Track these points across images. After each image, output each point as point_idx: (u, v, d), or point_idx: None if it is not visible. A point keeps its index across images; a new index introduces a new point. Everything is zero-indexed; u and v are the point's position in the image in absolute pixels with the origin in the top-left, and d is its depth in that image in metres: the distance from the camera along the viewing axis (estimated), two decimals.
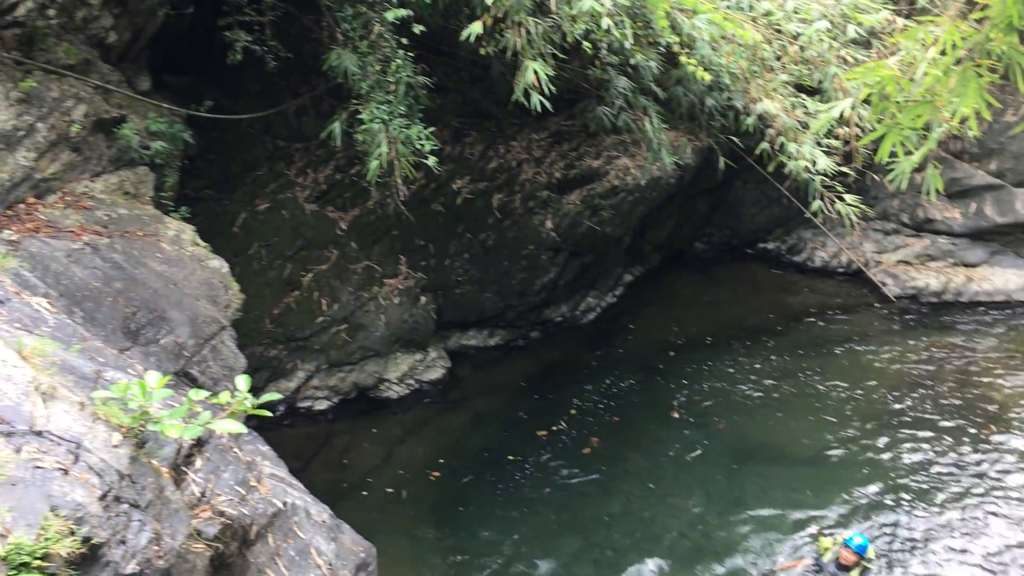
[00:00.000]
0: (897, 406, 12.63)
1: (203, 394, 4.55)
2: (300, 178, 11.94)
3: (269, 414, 4.75)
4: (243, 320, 8.62)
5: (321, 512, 6.60)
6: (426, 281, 12.66)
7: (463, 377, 13.10)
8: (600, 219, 13.22)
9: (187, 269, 8.01)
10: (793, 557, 9.62)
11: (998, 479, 11.01)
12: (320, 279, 11.73)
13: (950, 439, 11.79)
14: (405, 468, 11.21)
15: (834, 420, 12.24)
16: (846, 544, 9.15)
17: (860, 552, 9.09)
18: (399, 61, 8.99)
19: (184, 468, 5.06)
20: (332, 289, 11.78)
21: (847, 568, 9.13)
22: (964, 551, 9.82)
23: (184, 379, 6.92)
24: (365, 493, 10.66)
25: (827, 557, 9.30)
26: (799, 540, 9.94)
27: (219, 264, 8.51)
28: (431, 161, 8.93)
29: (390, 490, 10.75)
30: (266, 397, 4.69)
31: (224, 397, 4.57)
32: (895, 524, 10.23)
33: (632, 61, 10.02)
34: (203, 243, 8.62)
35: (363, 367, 12.22)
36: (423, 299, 12.58)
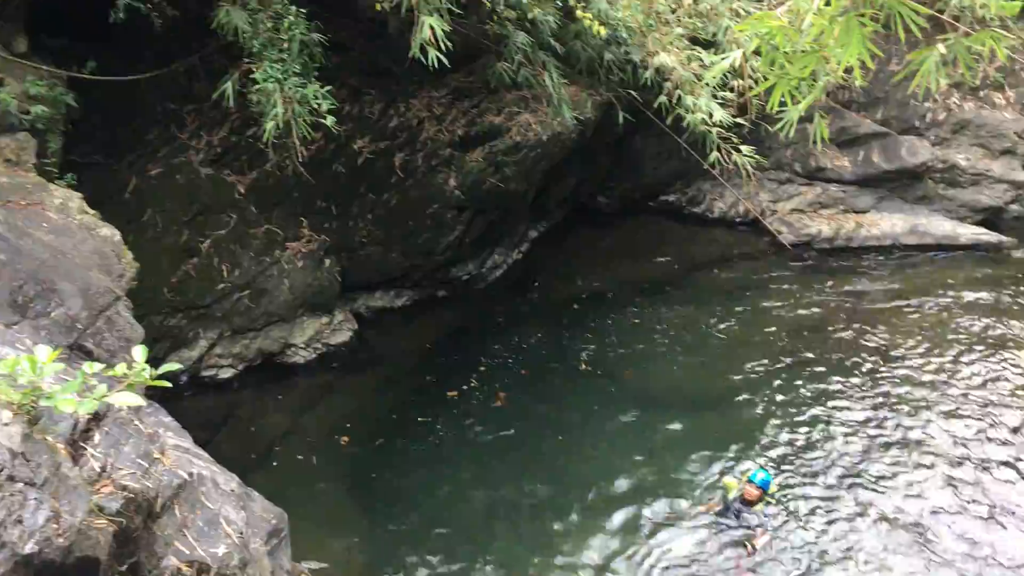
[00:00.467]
0: (794, 348, 13.13)
1: (98, 367, 4.40)
2: (194, 141, 11.55)
3: (170, 385, 4.63)
4: (139, 289, 8.35)
5: (229, 481, 6.49)
6: (329, 243, 12.47)
7: (371, 339, 13.01)
8: (503, 176, 13.21)
9: (76, 238, 7.70)
10: (705, 501, 9.94)
11: (891, 410, 11.61)
12: (219, 245, 11.43)
13: (844, 376, 12.35)
14: (315, 434, 11.13)
15: (735, 365, 12.65)
16: (750, 480, 9.52)
17: (764, 487, 9.48)
18: (291, 18, 8.76)
19: (82, 443, 4.90)
20: (232, 255, 11.50)
21: (751, 503, 9.49)
22: (859, 475, 10.33)
23: (78, 352, 6.67)
24: (275, 461, 10.54)
25: (732, 495, 9.66)
26: (707, 482, 10.28)
27: (110, 232, 8.19)
28: (329, 121, 8.76)
29: (300, 457, 10.66)
30: (166, 367, 4.57)
31: (121, 369, 4.43)
32: (797, 458, 10.67)
33: (530, 16, 9.99)
34: (92, 211, 8.28)
35: (268, 333, 12.01)
36: (327, 262, 12.40)
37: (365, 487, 10.22)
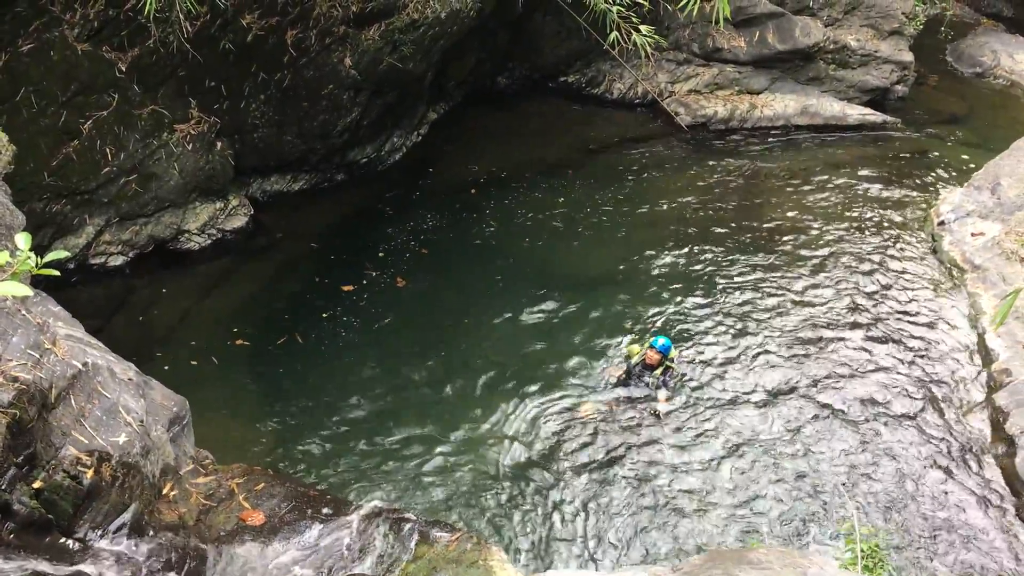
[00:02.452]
0: (690, 226, 13.53)
1: None
2: (68, 15, 10.77)
3: (57, 273, 4.46)
4: (17, 174, 7.95)
5: (127, 370, 6.38)
6: (221, 125, 12.00)
7: (268, 224, 12.75)
8: (400, 55, 12.84)
9: None
10: (611, 365, 10.39)
11: (780, 276, 12.31)
12: (101, 126, 10.85)
13: (738, 249, 12.94)
14: (213, 320, 10.97)
15: (633, 243, 12.98)
16: (651, 345, 10.03)
17: (663, 351, 10.00)
18: None
19: None
20: (116, 137, 10.96)
21: (652, 367, 10.03)
22: (743, 333, 10.96)
23: None
24: (173, 348, 10.38)
25: (634, 360, 10.18)
26: (607, 353, 10.64)
27: None
28: None
29: (199, 344, 10.52)
30: (52, 255, 4.39)
31: (3, 258, 4.24)
32: (693, 328, 11.14)
33: None
34: None
35: (159, 219, 11.62)
36: (219, 144, 11.97)
37: (266, 373, 10.19)
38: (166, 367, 9.38)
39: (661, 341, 10.08)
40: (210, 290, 11.54)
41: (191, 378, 9.46)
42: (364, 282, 11.73)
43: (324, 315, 11.07)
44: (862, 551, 5.68)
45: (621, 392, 10.08)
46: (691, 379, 10.34)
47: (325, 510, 6.45)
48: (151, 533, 5.52)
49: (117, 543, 5.30)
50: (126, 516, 5.41)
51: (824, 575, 3.88)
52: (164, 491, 6.05)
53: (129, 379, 6.17)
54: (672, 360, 10.19)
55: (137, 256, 11.52)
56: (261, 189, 13.23)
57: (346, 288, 11.48)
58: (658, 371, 10.07)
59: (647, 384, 10.06)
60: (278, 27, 11.89)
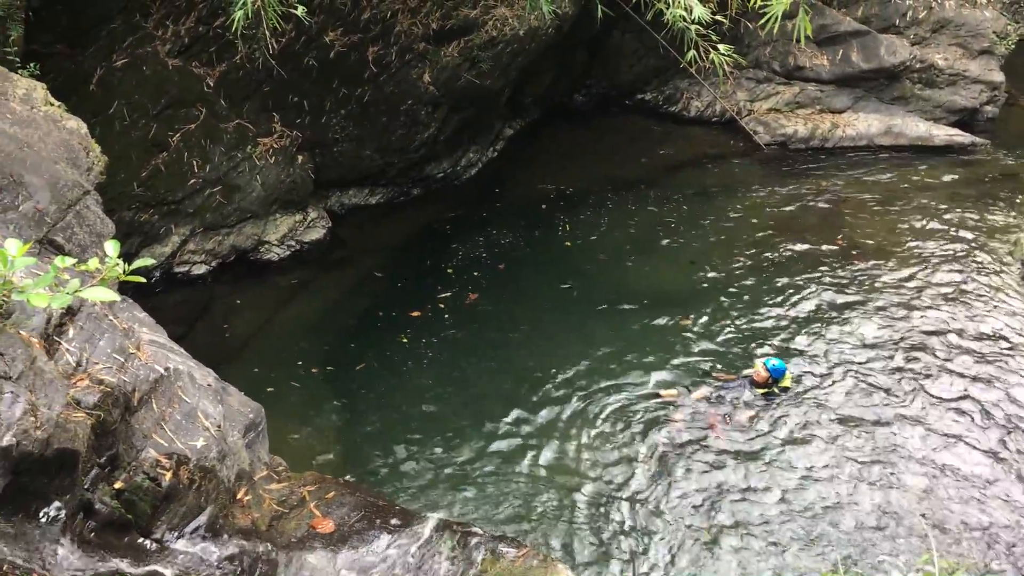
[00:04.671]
0: (767, 247, 13.29)
1: (70, 261, 4.37)
2: (160, 31, 11.22)
3: (143, 280, 4.62)
4: (109, 184, 8.23)
5: (206, 376, 6.55)
6: (302, 139, 12.29)
7: (345, 237, 12.97)
8: (479, 71, 12.98)
9: (42, 130, 7.53)
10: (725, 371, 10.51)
11: (861, 301, 12.01)
12: (189, 139, 11.23)
13: (816, 273, 12.65)
14: (290, 330, 11.19)
15: (709, 262, 12.82)
16: (764, 363, 10.06)
17: (772, 372, 10.00)
18: None
19: (56, 338, 4.91)
20: (203, 149, 11.31)
21: (756, 384, 10.08)
22: (820, 358, 10.69)
23: (49, 247, 6.61)
24: (250, 356, 10.62)
25: (746, 372, 10.35)
26: (677, 371, 10.56)
27: (77, 124, 8.01)
28: (300, 11, 8.52)
29: (276, 353, 10.73)
30: (139, 263, 4.54)
31: (93, 264, 4.41)
32: (767, 351, 10.94)
33: None
34: (57, 102, 8.08)
35: (241, 230, 11.94)
36: (300, 158, 12.25)
37: (339, 382, 10.33)
38: (243, 374, 9.57)
39: (774, 362, 10.10)
40: (288, 301, 11.78)
41: (267, 386, 9.66)
42: (437, 296, 11.82)
43: (397, 329, 11.18)
44: None
45: (714, 395, 10.14)
46: (779, 408, 10.15)
47: (394, 521, 6.51)
48: (225, 536, 5.64)
49: (192, 545, 5.43)
50: (202, 519, 5.53)
51: None
52: (238, 495, 6.18)
53: (208, 385, 6.32)
54: (785, 388, 10.15)
55: (219, 265, 11.83)
56: (339, 202, 13.47)
57: (414, 314, 11.46)
58: (761, 391, 10.07)
59: (738, 397, 10.07)
60: (360, 44, 12.17)
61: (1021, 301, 12.07)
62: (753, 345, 11.14)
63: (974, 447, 9.61)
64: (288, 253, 12.37)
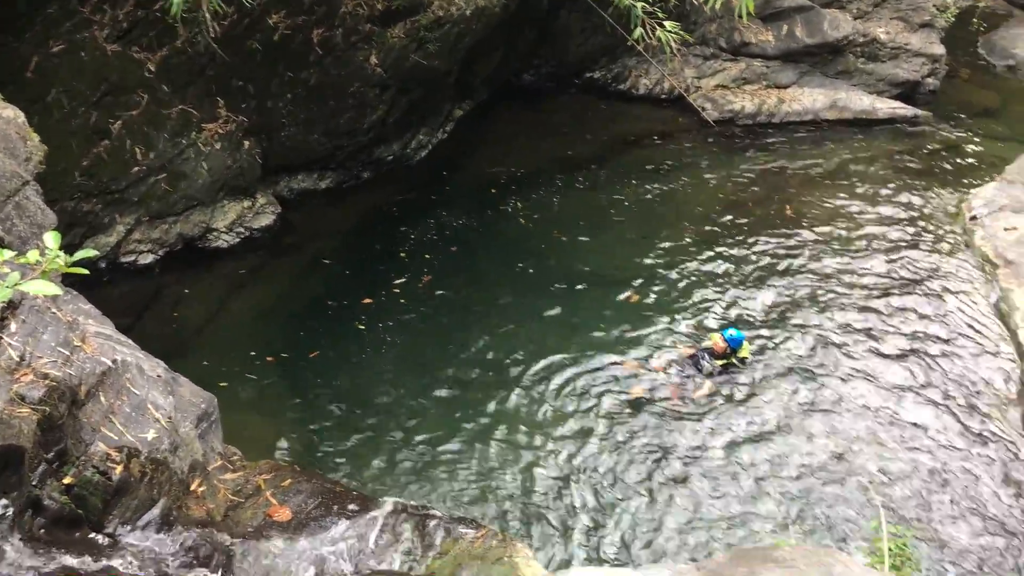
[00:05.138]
0: (717, 221, 13.46)
1: (9, 254, 4.26)
2: (97, 16, 10.90)
3: (87, 272, 4.51)
4: (49, 173, 8.03)
5: (155, 367, 6.45)
6: (248, 124, 12.09)
7: (295, 222, 12.82)
8: (426, 53, 12.87)
9: None
10: (686, 344, 10.72)
11: (809, 271, 12.31)
12: (131, 126, 10.98)
13: (766, 244, 12.90)
14: (242, 318, 11.07)
15: (661, 238, 12.96)
16: (722, 333, 10.25)
17: (729, 342, 10.18)
18: None
19: None
20: (146, 136, 11.07)
21: (715, 355, 10.24)
22: (772, 327, 10.84)
23: None
24: (201, 346, 10.48)
25: (704, 344, 10.49)
26: (636, 346, 10.67)
27: (13, 113, 7.79)
28: None
29: (227, 342, 10.61)
30: (81, 254, 4.43)
31: (33, 256, 4.30)
32: (719, 322, 11.10)
33: None
34: None
35: (188, 217, 11.74)
36: (246, 143, 12.06)
37: (294, 369, 10.26)
38: (195, 365, 9.43)
39: (732, 333, 10.27)
40: (239, 288, 11.63)
41: (220, 376, 9.55)
42: (391, 281, 11.76)
43: (351, 315, 11.11)
44: (890, 549, 5.62)
45: (675, 367, 10.31)
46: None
47: (351, 506, 6.49)
48: (179, 528, 5.58)
49: (146, 538, 5.37)
50: (155, 511, 5.47)
51: (850, 573, 3.85)
52: (192, 487, 6.11)
53: (158, 376, 6.23)
54: (743, 358, 10.32)
55: (167, 254, 11.63)
56: (288, 187, 13.31)
57: (366, 301, 11.36)
58: (720, 361, 10.22)
59: (700, 369, 10.22)
60: (304, 26, 11.97)
61: (962, 265, 12.38)
62: (708, 317, 11.30)
63: (920, 403, 9.92)
64: (237, 240, 12.19)
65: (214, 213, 12.00)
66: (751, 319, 11.26)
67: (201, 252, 11.94)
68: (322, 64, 12.26)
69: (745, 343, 10.32)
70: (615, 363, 10.39)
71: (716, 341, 10.26)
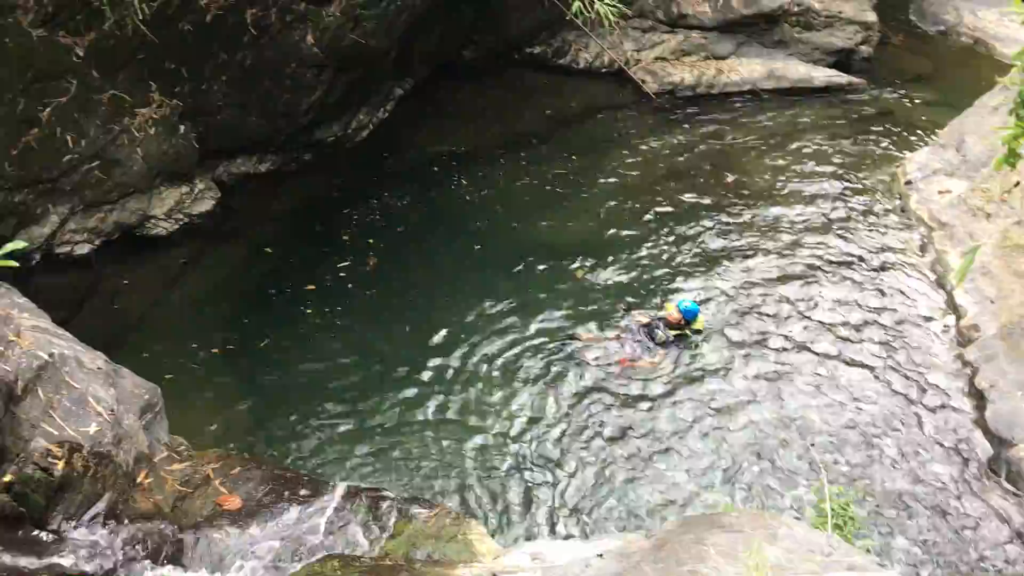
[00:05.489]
0: (660, 191, 13.58)
1: None
2: (21, 0, 10.56)
3: (17, 264, 4.40)
4: None
5: (95, 359, 6.34)
6: (183, 108, 11.81)
7: (236, 207, 12.60)
8: (364, 31, 12.70)
9: None
10: (640, 312, 10.82)
11: (749, 238, 12.52)
12: (61, 113, 10.66)
13: (708, 214, 13.07)
14: (185, 307, 10.90)
15: (605, 211, 13.04)
16: (677, 305, 10.35)
17: (683, 313, 10.29)
18: None
19: None
20: (77, 124, 10.76)
21: (670, 326, 10.34)
22: (715, 295, 11.02)
23: None
24: (143, 336, 10.30)
25: (660, 314, 10.57)
26: (585, 320, 10.77)
27: None
28: None
29: (170, 331, 10.45)
30: (11, 246, 4.33)
31: None
32: (666, 292, 11.32)
33: None
34: None
35: (124, 205, 11.45)
36: (182, 127, 11.79)
37: (239, 357, 10.13)
38: (137, 357, 9.27)
39: (687, 304, 10.36)
40: (180, 277, 11.43)
41: (164, 367, 9.39)
42: (335, 263, 11.65)
43: (298, 301, 10.99)
44: (832, 510, 5.77)
45: (629, 336, 10.40)
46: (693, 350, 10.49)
47: (303, 491, 6.47)
48: (126, 521, 5.51)
49: (92, 533, 5.29)
50: (100, 506, 5.40)
51: (793, 535, 3.94)
52: (139, 479, 6.04)
53: (98, 368, 6.13)
54: (698, 330, 10.44)
55: (104, 244, 11.34)
56: (227, 172, 13.07)
57: (309, 287, 11.20)
58: (674, 332, 10.34)
59: (654, 339, 10.32)
60: (237, 6, 11.71)
61: (899, 228, 12.67)
62: (656, 288, 11.43)
63: (861, 365, 10.17)
64: (177, 227, 11.95)
65: (151, 200, 11.74)
66: (697, 289, 11.39)
67: (139, 241, 11.69)
68: (257, 45, 12.03)
69: (700, 315, 10.44)
70: (568, 335, 10.46)
71: (671, 312, 10.38)
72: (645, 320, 10.60)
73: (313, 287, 11.15)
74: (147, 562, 5.36)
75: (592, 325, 10.67)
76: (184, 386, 9.26)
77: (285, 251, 11.97)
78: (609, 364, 10.09)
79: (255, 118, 12.63)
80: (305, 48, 12.31)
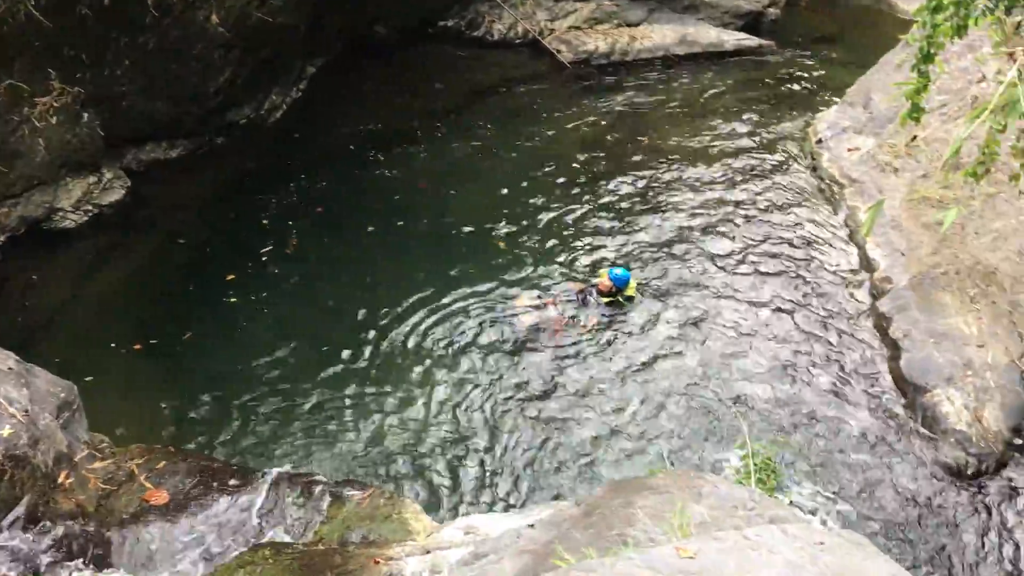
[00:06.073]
0: (581, 160, 13.68)
1: None
2: None
3: None
4: None
5: (6, 359, 6.14)
6: (85, 95, 11.40)
7: (148, 195, 12.25)
8: (270, 8, 12.42)
9: None
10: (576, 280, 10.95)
11: (668, 204, 12.69)
12: None
13: (627, 180, 13.19)
14: (97, 300, 10.57)
15: (527, 182, 13.04)
16: (608, 273, 10.44)
17: (614, 280, 10.39)
18: None
19: None
20: None
21: (602, 293, 10.48)
22: (635, 260, 11.12)
23: None
24: (57, 333, 9.98)
25: (593, 281, 10.72)
26: (511, 291, 10.81)
27: None
28: None
29: (85, 326, 10.14)
30: None
31: None
32: (590, 259, 11.44)
33: None
34: None
35: (29, 199, 11.04)
36: (85, 115, 11.40)
37: (161, 351, 9.87)
38: (52, 355, 8.96)
39: (617, 271, 10.45)
40: (93, 271, 11.08)
41: (82, 365, 9.10)
42: (256, 249, 11.43)
43: (220, 289, 10.75)
44: (755, 465, 5.92)
45: (561, 303, 10.50)
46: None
47: (232, 481, 6.39)
48: (48, 524, 5.37)
49: (13, 538, 5.15)
50: (19, 510, 5.25)
51: (718, 492, 4.04)
52: (60, 480, 5.89)
53: (9, 369, 5.94)
54: (630, 296, 10.55)
55: (10, 239, 10.94)
56: (137, 159, 12.70)
57: (229, 278, 10.89)
58: (606, 299, 10.46)
59: (586, 306, 10.46)
60: None
61: (813, 186, 13.00)
62: (579, 251, 11.52)
63: (782, 320, 10.46)
64: (86, 219, 11.57)
65: (58, 192, 11.35)
66: (620, 254, 11.53)
67: (48, 234, 11.29)
68: (159, 26, 11.65)
69: (632, 281, 10.57)
70: (503, 302, 10.50)
71: (602, 279, 10.52)
72: (578, 288, 10.73)
73: (233, 277, 10.89)
74: (73, 563, 5.24)
75: (524, 293, 10.71)
76: (105, 384, 8.99)
77: (203, 239, 11.70)
78: (542, 330, 10.16)
79: (162, 102, 12.28)
80: (210, 28, 11.99)
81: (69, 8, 10.78)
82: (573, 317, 10.37)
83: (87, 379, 8.51)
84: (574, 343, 10.09)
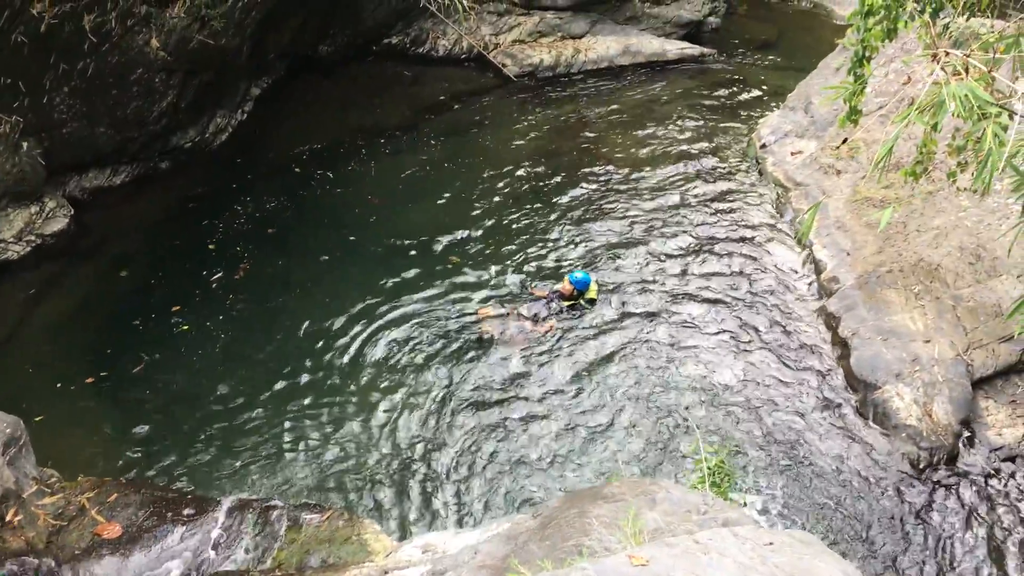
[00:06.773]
0: (528, 173, 13.76)
1: None
2: None
3: None
4: None
5: None
6: (24, 123, 11.21)
7: (92, 223, 12.08)
8: (211, 31, 12.33)
9: None
10: (539, 286, 11.09)
11: (617, 212, 12.83)
12: None
13: (576, 191, 13.34)
14: (43, 333, 10.36)
15: (475, 197, 13.13)
16: (569, 277, 10.60)
17: (574, 283, 10.55)
18: None
19: None
20: None
21: (564, 298, 10.62)
22: (588, 268, 11.19)
23: None
24: (2, 365, 9.75)
25: (555, 287, 10.83)
26: (464, 304, 10.82)
27: None
28: None
29: (30, 360, 9.92)
30: None
31: None
32: (542, 269, 11.49)
33: None
34: None
35: None
36: (25, 144, 11.19)
37: (113, 383, 9.69)
38: None
39: (578, 275, 10.60)
40: (38, 303, 10.86)
41: (25, 396, 8.93)
42: (205, 275, 11.30)
43: (168, 318, 10.60)
44: (708, 469, 6.00)
45: (524, 308, 10.60)
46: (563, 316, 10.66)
47: (187, 511, 6.30)
48: None
49: None
50: None
51: (671, 498, 4.08)
52: (7, 518, 5.76)
53: None
54: (592, 300, 10.69)
55: None
56: (80, 186, 12.52)
57: (175, 309, 10.70)
58: (567, 303, 10.58)
59: (549, 310, 10.54)
60: (73, 13, 11.17)
61: (758, 191, 13.20)
62: (531, 260, 11.59)
63: (732, 321, 10.60)
64: (29, 249, 11.35)
65: None
66: (574, 260, 11.62)
67: None
68: (98, 52, 11.51)
69: (593, 284, 10.70)
70: (455, 316, 10.50)
71: (564, 284, 10.64)
72: (541, 294, 10.84)
73: (178, 308, 10.71)
74: None
75: (487, 305, 10.74)
76: (55, 418, 8.82)
77: (150, 266, 11.53)
78: (504, 341, 10.18)
79: (104, 128, 12.12)
80: (151, 52, 11.88)
81: (3, 36, 10.60)
82: (535, 323, 10.41)
83: (34, 414, 8.35)
84: (535, 350, 10.11)
